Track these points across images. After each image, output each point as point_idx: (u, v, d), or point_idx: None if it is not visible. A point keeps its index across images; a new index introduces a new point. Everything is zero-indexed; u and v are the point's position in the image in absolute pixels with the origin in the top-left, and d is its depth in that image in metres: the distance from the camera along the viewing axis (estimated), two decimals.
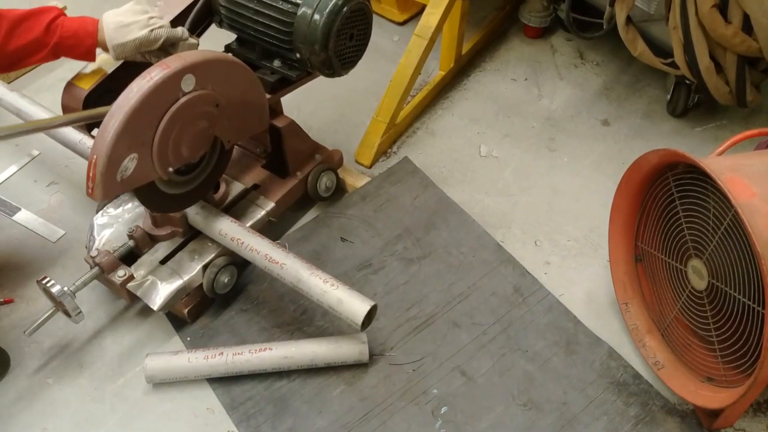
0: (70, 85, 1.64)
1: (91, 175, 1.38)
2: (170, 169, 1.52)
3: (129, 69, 1.61)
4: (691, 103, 2.26)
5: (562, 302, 1.81)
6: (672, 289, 1.64)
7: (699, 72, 1.94)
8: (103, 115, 1.40)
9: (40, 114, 2.04)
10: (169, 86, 1.40)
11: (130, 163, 1.42)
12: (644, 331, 1.71)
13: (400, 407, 1.62)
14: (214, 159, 1.68)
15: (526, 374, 1.67)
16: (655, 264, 1.68)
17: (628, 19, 1.99)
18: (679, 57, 1.96)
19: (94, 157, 1.37)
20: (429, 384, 1.66)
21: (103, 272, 1.68)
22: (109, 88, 1.62)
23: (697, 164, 1.40)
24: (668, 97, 2.29)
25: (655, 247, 1.66)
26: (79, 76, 1.64)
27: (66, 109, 1.65)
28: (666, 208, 1.61)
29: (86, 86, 1.60)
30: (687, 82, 2.16)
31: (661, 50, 2.06)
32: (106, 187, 1.40)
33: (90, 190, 1.40)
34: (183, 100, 1.44)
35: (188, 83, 1.43)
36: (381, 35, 2.62)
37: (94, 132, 1.50)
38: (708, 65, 1.92)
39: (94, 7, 2.79)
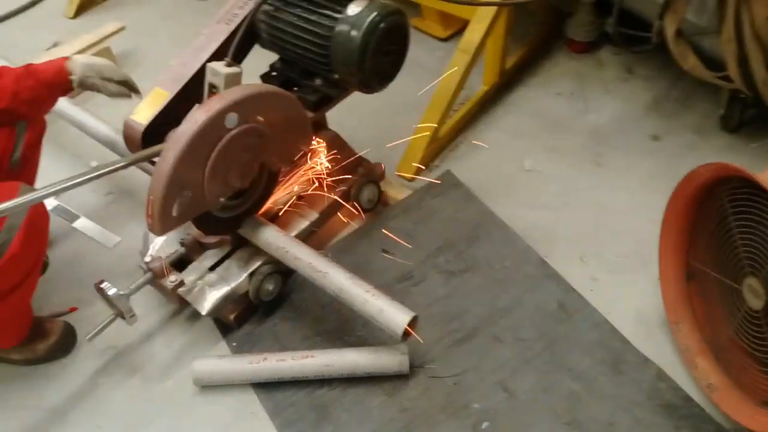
0: (129, 120, 1.70)
1: (149, 213, 1.47)
2: (221, 200, 1.60)
3: (181, 102, 1.70)
4: (746, 117, 2.20)
5: (609, 320, 1.76)
6: (726, 309, 1.57)
7: (755, 85, 1.89)
8: (158, 153, 1.48)
9: (100, 127, 2.15)
10: (213, 127, 1.46)
11: (184, 200, 1.50)
12: (696, 352, 1.64)
13: (441, 420, 1.61)
14: (263, 182, 1.74)
15: (571, 392, 1.63)
16: (708, 282, 1.62)
17: (678, 32, 1.95)
18: (733, 70, 1.90)
19: (151, 198, 1.45)
20: (470, 398, 1.64)
21: (155, 277, 1.75)
22: (164, 122, 1.69)
23: (753, 178, 1.36)
24: (721, 111, 2.23)
25: (708, 265, 1.61)
26: (136, 111, 1.71)
27: (127, 140, 1.73)
28: (719, 224, 1.55)
29: (143, 119, 1.68)
30: (741, 95, 2.10)
31: (714, 63, 2.01)
32: (164, 223, 1.49)
33: (150, 227, 1.50)
34: (228, 137, 1.49)
35: (231, 120, 1.49)
36: (424, 51, 2.64)
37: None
38: (765, 78, 1.86)
39: (154, 26, 2.96)
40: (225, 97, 1.48)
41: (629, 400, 1.61)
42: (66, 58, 1.70)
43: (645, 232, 1.91)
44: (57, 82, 1.69)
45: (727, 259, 1.54)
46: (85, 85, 1.72)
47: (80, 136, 2.23)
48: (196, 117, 1.44)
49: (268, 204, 1.85)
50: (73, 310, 1.93)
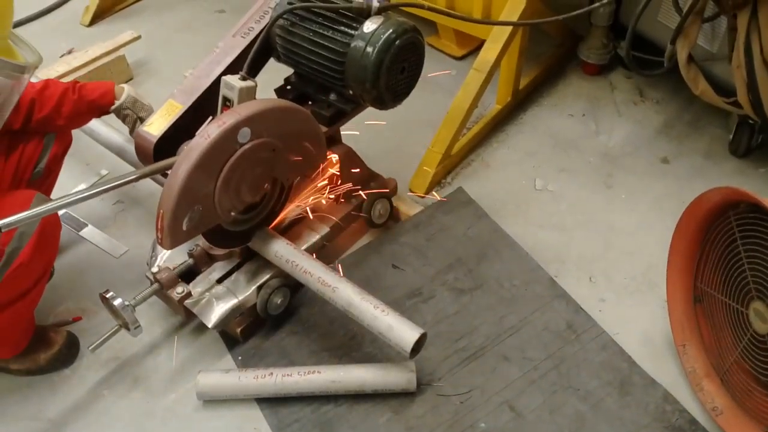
0: (141, 132, 1.72)
1: (159, 227, 1.47)
2: (233, 214, 1.60)
3: (195, 115, 1.72)
4: (754, 143, 2.21)
5: (616, 341, 1.76)
6: (732, 332, 1.58)
7: (763, 111, 1.90)
8: (170, 167, 1.48)
9: (111, 135, 2.16)
10: (225, 141, 1.47)
11: (194, 214, 1.49)
12: (702, 374, 1.65)
13: None
14: (275, 196, 1.74)
15: (577, 413, 1.62)
16: (715, 305, 1.63)
17: (690, 58, 1.97)
18: (742, 96, 1.92)
19: (161, 211, 1.45)
20: (476, 417, 1.63)
21: (162, 288, 1.74)
22: (177, 134, 1.71)
23: (761, 203, 1.36)
24: (731, 136, 2.24)
25: (716, 288, 1.61)
26: (149, 122, 1.73)
27: (138, 150, 1.74)
28: (727, 248, 1.56)
29: (155, 131, 1.69)
30: (750, 121, 2.12)
31: (724, 89, 2.03)
32: (173, 238, 1.49)
33: (160, 240, 1.49)
34: (240, 151, 1.50)
35: (244, 135, 1.49)
36: (439, 69, 2.66)
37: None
38: None
39: (170, 36, 2.98)
40: (238, 112, 1.48)
41: (635, 421, 1.60)
42: (113, 84, 1.78)
43: (654, 254, 1.92)
44: (101, 104, 1.76)
45: (734, 283, 1.54)
46: (119, 114, 1.79)
47: (90, 143, 2.24)
48: (209, 131, 1.44)
49: (279, 217, 1.85)
50: (77, 319, 1.92)
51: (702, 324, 1.68)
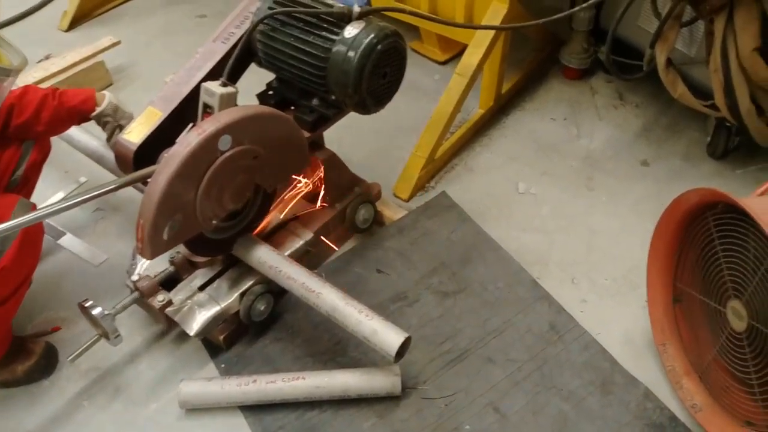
0: (121, 140, 1.70)
1: (139, 237, 1.45)
2: (214, 222, 1.58)
3: (175, 122, 1.70)
4: (731, 145, 2.24)
5: (598, 341, 1.78)
6: (710, 331, 1.60)
7: (740, 114, 1.93)
8: (150, 175, 1.47)
9: (90, 142, 2.13)
10: (206, 149, 1.45)
11: (175, 223, 1.48)
12: (682, 373, 1.67)
13: None
14: (258, 203, 1.73)
15: (560, 413, 1.64)
16: (694, 305, 1.65)
17: (669, 61, 2.00)
18: (719, 99, 1.95)
19: (141, 221, 1.44)
20: (461, 420, 1.63)
21: (143, 296, 1.72)
22: (157, 142, 1.69)
23: (738, 204, 1.39)
24: (708, 139, 2.28)
25: (694, 288, 1.63)
26: (128, 130, 1.71)
27: (118, 158, 1.72)
28: (705, 249, 1.58)
29: (135, 139, 1.67)
30: (727, 124, 2.15)
31: (702, 92, 2.06)
32: (154, 248, 1.47)
33: (140, 251, 1.48)
34: (221, 159, 1.48)
35: (225, 143, 1.48)
36: (423, 74, 2.68)
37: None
38: (749, 108, 1.91)
39: (150, 41, 2.96)
40: (219, 119, 1.47)
41: (617, 420, 1.62)
42: (94, 90, 1.76)
43: (634, 255, 1.94)
44: (81, 110, 1.74)
45: (712, 283, 1.56)
46: (100, 122, 1.77)
47: (69, 150, 2.21)
48: (189, 139, 1.43)
49: (263, 223, 1.84)
50: (55, 329, 1.89)
51: (681, 323, 1.71)
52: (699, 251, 1.61)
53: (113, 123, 1.77)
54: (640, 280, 1.77)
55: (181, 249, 1.81)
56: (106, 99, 1.77)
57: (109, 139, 1.80)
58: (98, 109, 1.75)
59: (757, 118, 1.94)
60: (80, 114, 1.75)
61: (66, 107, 1.71)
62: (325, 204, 1.97)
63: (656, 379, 1.71)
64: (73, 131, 2.17)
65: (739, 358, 1.51)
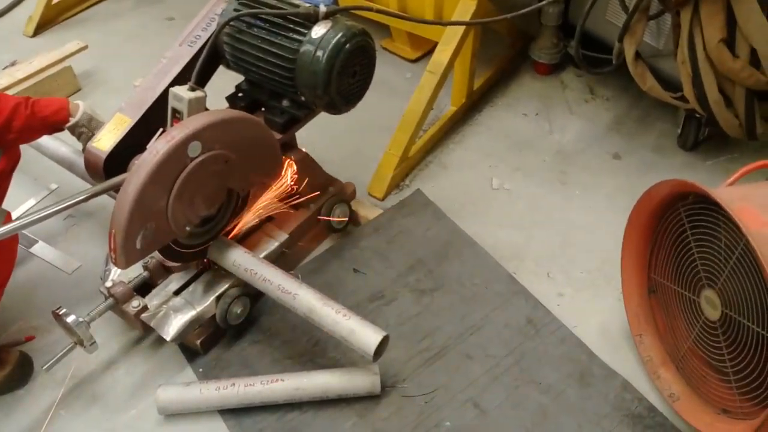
0: (91, 148, 1.68)
1: (112, 246, 1.44)
2: (188, 228, 1.57)
3: (144, 127, 1.68)
4: (701, 136, 2.28)
5: (575, 334, 1.79)
6: (685, 321, 1.62)
7: (708, 105, 1.96)
8: (120, 184, 1.44)
9: (60, 149, 2.10)
10: (175, 157, 1.44)
11: (148, 231, 1.46)
12: (659, 363, 1.69)
13: None
14: (231, 207, 1.72)
15: (539, 407, 1.65)
16: (669, 295, 1.67)
17: (637, 55, 2.02)
18: (688, 91, 1.98)
19: (113, 231, 1.42)
20: (441, 416, 1.64)
21: (117, 303, 1.70)
22: (127, 148, 1.67)
23: (708, 194, 1.41)
24: (679, 130, 2.31)
25: (668, 278, 1.66)
26: (98, 138, 1.69)
27: (88, 167, 1.70)
28: (678, 239, 1.61)
29: (105, 147, 1.65)
30: (697, 115, 2.17)
31: (671, 84, 2.08)
32: (128, 257, 1.46)
33: (114, 260, 1.46)
34: (191, 165, 1.47)
35: (194, 149, 1.46)
36: (394, 72, 2.67)
37: None
38: (717, 99, 1.94)
39: (118, 45, 2.91)
40: (187, 126, 1.45)
41: (596, 411, 1.63)
42: (67, 101, 1.72)
43: (609, 248, 1.96)
44: (54, 121, 1.70)
45: (685, 273, 1.59)
46: (74, 132, 1.74)
47: (38, 157, 2.17)
48: (158, 147, 1.41)
49: (238, 227, 1.83)
50: (29, 338, 1.86)
51: (657, 314, 1.73)
52: (672, 242, 1.63)
53: (88, 133, 1.74)
54: (615, 272, 1.79)
55: (155, 254, 1.80)
56: (81, 109, 1.73)
57: (84, 149, 1.77)
58: (72, 120, 1.71)
59: (726, 109, 1.97)
60: (53, 125, 1.72)
61: (39, 117, 1.67)
62: (298, 204, 1.96)
63: (634, 370, 1.72)
64: (43, 138, 2.13)
65: (714, 346, 1.53)
